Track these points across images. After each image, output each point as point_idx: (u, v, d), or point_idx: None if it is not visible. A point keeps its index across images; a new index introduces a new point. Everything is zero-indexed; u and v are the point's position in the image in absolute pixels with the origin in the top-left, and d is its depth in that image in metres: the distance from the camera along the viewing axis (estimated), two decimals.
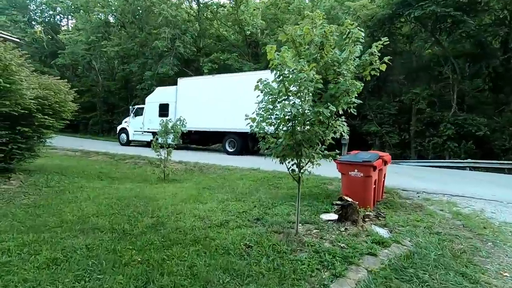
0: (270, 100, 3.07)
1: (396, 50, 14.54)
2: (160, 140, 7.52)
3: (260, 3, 24.17)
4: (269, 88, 3.02)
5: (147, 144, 12.83)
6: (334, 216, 4.25)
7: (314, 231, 3.73)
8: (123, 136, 16.32)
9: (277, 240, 3.35)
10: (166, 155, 7.35)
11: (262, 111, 3.34)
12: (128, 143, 16.14)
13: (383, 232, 3.73)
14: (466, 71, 13.99)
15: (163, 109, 14.29)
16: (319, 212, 4.59)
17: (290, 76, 2.79)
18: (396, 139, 14.08)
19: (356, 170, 4.99)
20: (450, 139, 12.79)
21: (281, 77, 2.86)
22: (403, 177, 8.17)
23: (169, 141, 7.53)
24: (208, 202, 5.18)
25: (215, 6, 22.79)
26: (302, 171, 3.46)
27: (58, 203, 4.64)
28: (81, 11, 21.45)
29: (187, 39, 17.81)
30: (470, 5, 12.05)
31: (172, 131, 7.43)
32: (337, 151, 3.60)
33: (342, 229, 3.73)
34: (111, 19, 21.18)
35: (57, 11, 26.34)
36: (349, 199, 3.96)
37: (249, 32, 18.14)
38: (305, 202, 5.27)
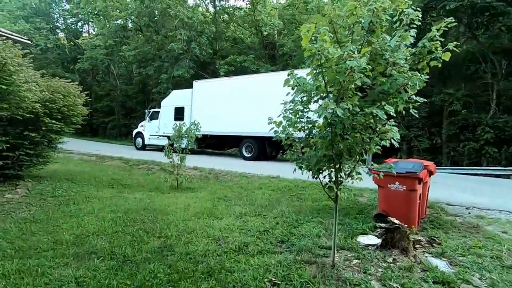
0: (303, 99, 2.41)
1: None
2: (174, 145, 7.03)
3: (278, 3, 23.62)
4: (303, 83, 2.36)
5: (163, 148, 12.51)
6: (375, 240, 3.52)
7: (354, 261, 3.02)
8: (139, 140, 16.12)
9: (309, 276, 2.67)
10: (179, 162, 6.83)
11: (290, 113, 2.68)
12: (144, 147, 15.92)
13: (442, 265, 2.96)
14: (503, 68, 12.73)
15: (179, 113, 13.93)
16: (355, 234, 3.87)
17: (333, 66, 2.12)
18: (426, 144, 12.97)
19: (397, 183, 4.23)
20: (488, 143, 11.57)
21: (320, 68, 2.19)
22: (443, 187, 7.22)
23: (183, 146, 7.03)
24: (224, 217, 4.57)
25: (231, 9, 22.46)
26: (340, 187, 2.78)
27: (59, 217, 4.17)
28: (100, 16, 21.74)
29: (203, 41, 17.47)
30: None
31: (186, 135, 6.92)
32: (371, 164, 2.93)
33: (389, 259, 3.00)
34: (129, 24, 21.32)
35: (78, 17, 26.95)
36: (396, 221, 3.22)
37: (266, 33, 17.56)
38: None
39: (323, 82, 2.22)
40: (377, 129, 2.56)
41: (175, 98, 14.69)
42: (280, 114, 2.87)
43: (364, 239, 3.62)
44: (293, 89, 2.49)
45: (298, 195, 6.22)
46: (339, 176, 2.70)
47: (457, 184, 8.08)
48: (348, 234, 3.84)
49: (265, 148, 11.76)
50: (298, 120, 2.66)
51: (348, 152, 2.55)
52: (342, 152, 2.50)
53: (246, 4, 21.62)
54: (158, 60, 19.26)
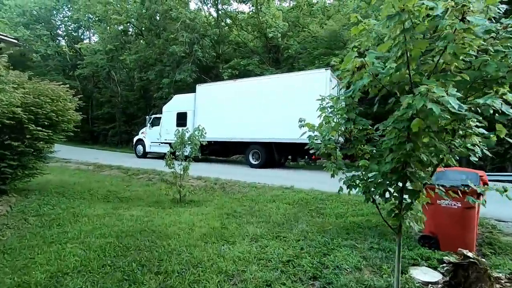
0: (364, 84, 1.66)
1: None
2: (177, 153, 6.29)
3: (281, 6, 23.11)
4: (372, 62, 1.60)
5: (164, 156, 11.79)
6: (434, 275, 2.74)
7: None
8: (140, 147, 15.43)
9: None
10: (182, 172, 6.09)
11: (337, 111, 1.93)
12: (145, 155, 15.21)
13: None
14: None
15: (181, 118, 13.23)
16: (404, 265, 3.07)
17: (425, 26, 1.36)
18: None
19: (450, 199, 3.44)
20: None
21: (404, 36, 1.43)
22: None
23: (186, 154, 6.29)
24: (236, 240, 3.80)
25: (234, 13, 21.94)
26: (407, 213, 2.01)
27: (35, 245, 3.42)
28: (100, 22, 21.28)
29: (206, 43, 16.84)
30: None
31: (189, 142, 6.18)
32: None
33: None
34: (129, 28, 20.81)
35: (79, 24, 26.60)
36: (470, 254, 2.43)
37: (271, 35, 16.94)
38: (369, 242, 3.77)
39: (405, 58, 1.46)
40: (460, 132, 1.81)
41: (177, 103, 14.02)
42: (320, 115, 2.11)
43: (419, 274, 2.83)
44: (352, 73, 1.73)
45: (318, 209, 5.43)
46: (402, 195, 1.93)
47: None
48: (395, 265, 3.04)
49: (274, 154, 10.99)
50: (346, 118, 1.89)
51: (420, 165, 1.78)
52: (412, 163, 1.74)
53: (249, 8, 21.13)
54: (159, 64, 18.66)
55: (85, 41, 29.08)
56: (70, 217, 4.62)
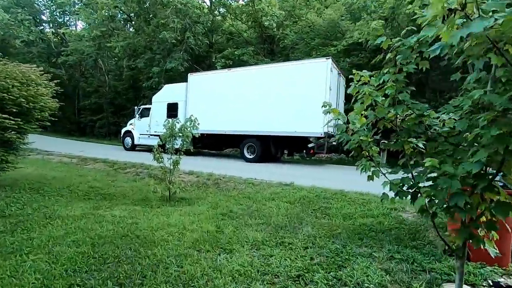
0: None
1: None
2: (166, 146, 5.68)
3: None
4: None
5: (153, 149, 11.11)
6: None
7: None
8: (128, 140, 14.66)
9: None
10: (172, 167, 5.49)
11: (387, 88, 1.39)
12: (134, 147, 14.47)
13: None
14: None
15: (172, 109, 12.52)
16: (436, 281, 2.59)
17: None
18: None
19: None
20: None
21: None
22: None
23: (177, 147, 5.69)
24: (234, 247, 3.26)
25: (229, 1, 21.02)
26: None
27: None
28: (86, 7, 20.06)
29: (198, 30, 15.96)
30: None
31: (180, 134, 5.57)
32: None
33: None
34: (117, 14, 19.63)
35: (64, 9, 25.17)
36: None
37: (267, 23, 16.21)
38: (387, 249, 3.29)
39: None
40: None
41: (168, 93, 13.28)
42: (356, 96, 1.56)
43: None
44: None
45: (322, 209, 4.94)
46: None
47: None
48: (427, 282, 2.56)
49: (270, 148, 10.45)
50: (401, 103, 1.34)
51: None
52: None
53: None
54: (149, 52, 17.69)
55: (71, 28, 27.69)
56: (40, 219, 4.00)
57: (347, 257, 3.07)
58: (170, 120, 5.56)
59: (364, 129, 1.67)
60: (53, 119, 5.88)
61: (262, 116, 10.08)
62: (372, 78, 1.64)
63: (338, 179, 7.56)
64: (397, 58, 1.51)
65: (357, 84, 1.67)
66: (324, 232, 3.88)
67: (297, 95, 9.45)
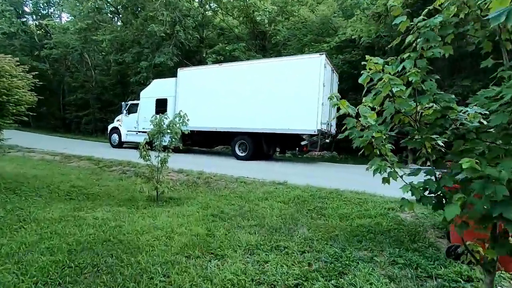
0: None
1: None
2: (154, 143, 5.37)
3: None
4: None
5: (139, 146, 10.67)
6: None
7: None
8: (115, 136, 14.17)
9: None
10: (159, 165, 5.20)
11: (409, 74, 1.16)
12: (121, 144, 13.99)
13: None
14: None
15: (161, 105, 12.11)
16: (440, 286, 2.42)
17: None
18: None
19: None
20: None
21: None
22: None
23: (165, 144, 5.39)
24: (226, 252, 3.03)
25: None
26: None
27: None
28: None
29: (188, 23, 15.46)
30: None
31: (169, 131, 5.27)
32: None
33: None
34: (104, 5, 18.85)
35: (48, 0, 24.16)
36: None
37: (260, 18, 15.89)
38: (388, 253, 3.12)
39: None
40: None
41: (157, 88, 12.86)
42: (373, 85, 1.33)
43: None
44: None
45: (318, 209, 4.75)
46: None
47: None
48: None
49: (262, 146, 10.22)
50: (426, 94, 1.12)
51: None
52: None
53: None
54: (137, 46, 17.10)
55: (56, 20, 26.65)
56: (13, 223, 3.65)
57: (347, 262, 2.87)
58: (157, 115, 5.25)
59: (377, 125, 1.45)
60: (31, 113, 5.48)
61: (254, 113, 9.83)
62: (387, 66, 1.42)
63: (332, 177, 7.41)
64: (418, 41, 1.29)
65: (369, 72, 1.44)
66: (321, 234, 3.69)
67: (290, 91, 9.24)
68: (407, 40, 1.30)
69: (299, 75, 9.15)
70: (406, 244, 3.39)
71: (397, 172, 1.43)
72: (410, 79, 1.24)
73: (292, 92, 9.21)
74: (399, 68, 1.30)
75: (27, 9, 27.96)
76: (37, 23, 24.12)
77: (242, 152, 10.57)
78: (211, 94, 11.01)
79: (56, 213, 4.22)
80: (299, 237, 3.57)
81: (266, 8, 15.56)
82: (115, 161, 9.19)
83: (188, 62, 18.38)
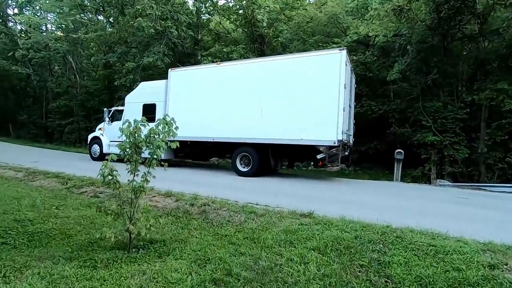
0: None
1: (464, 34, 11.00)
2: (126, 163, 3.65)
3: None
4: None
5: (124, 160, 8.83)
6: None
7: None
8: (96, 147, 12.35)
9: None
10: (134, 198, 3.49)
11: None
12: (102, 157, 12.12)
13: None
14: None
15: (148, 111, 10.38)
16: None
17: None
18: (465, 153, 10.37)
19: None
20: None
21: None
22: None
23: (145, 156, 3.66)
24: None
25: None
26: None
27: None
28: None
29: (182, 19, 13.83)
30: None
31: (148, 145, 3.57)
32: None
33: None
34: (86, 1, 17.22)
35: None
36: None
37: (260, 17, 14.47)
38: None
39: None
40: None
41: (144, 92, 11.16)
42: None
43: None
44: None
45: (376, 266, 3.09)
46: None
47: None
48: None
49: (269, 159, 8.56)
50: None
51: None
52: None
53: None
54: (123, 46, 15.38)
55: (34, 17, 24.84)
56: None
57: None
58: (131, 121, 3.55)
59: None
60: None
61: (260, 121, 8.20)
62: None
63: (365, 202, 5.79)
64: None
65: None
66: None
67: (304, 94, 7.67)
68: None
69: (314, 74, 7.60)
70: None
71: None
72: None
73: (306, 95, 7.64)
74: None
75: (10, 11, 26.25)
76: (17, 20, 22.26)
77: (244, 167, 8.88)
78: (208, 98, 9.37)
79: None
80: None
81: (267, 5, 14.13)
82: (89, 179, 7.43)
83: (181, 65, 16.80)
